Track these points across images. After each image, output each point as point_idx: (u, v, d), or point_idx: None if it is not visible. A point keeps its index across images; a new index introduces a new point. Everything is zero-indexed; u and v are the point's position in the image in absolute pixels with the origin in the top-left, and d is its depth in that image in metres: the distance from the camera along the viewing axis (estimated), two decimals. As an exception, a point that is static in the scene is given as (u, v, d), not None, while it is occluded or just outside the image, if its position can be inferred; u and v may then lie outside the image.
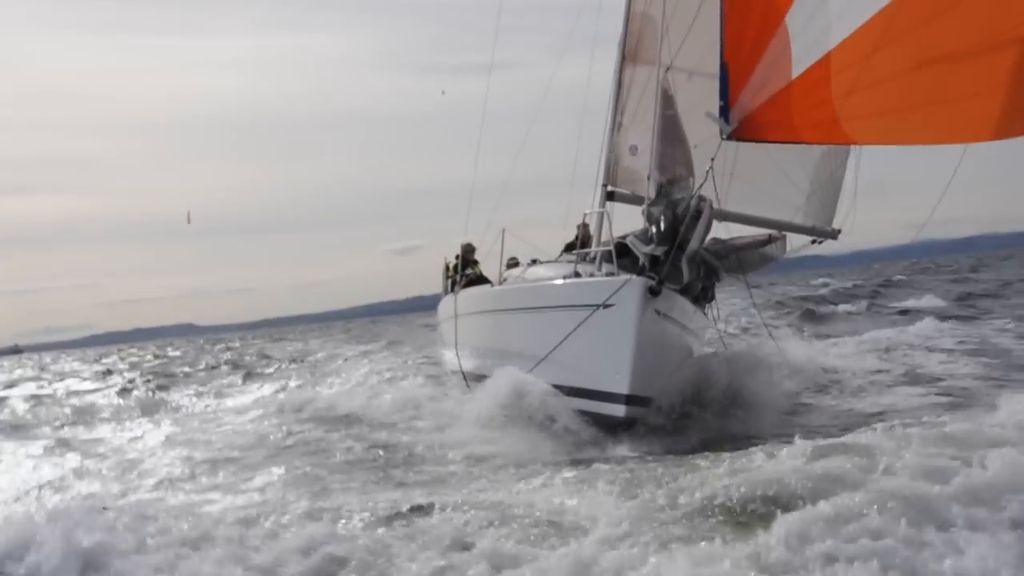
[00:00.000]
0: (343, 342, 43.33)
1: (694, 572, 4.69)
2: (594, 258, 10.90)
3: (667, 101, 10.86)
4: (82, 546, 5.30)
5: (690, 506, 5.73)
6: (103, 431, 15.20)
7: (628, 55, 12.71)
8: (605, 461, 8.11)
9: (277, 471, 9.28)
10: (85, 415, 18.73)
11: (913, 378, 12.30)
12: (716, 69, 8.62)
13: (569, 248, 13.58)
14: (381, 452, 10.05)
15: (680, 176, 10.57)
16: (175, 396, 21.58)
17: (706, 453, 7.81)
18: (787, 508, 5.24)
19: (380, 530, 6.06)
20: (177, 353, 51.03)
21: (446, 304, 15.99)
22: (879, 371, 13.39)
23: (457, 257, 15.92)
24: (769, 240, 12.42)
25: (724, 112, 8.62)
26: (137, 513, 6.36)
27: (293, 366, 28.63)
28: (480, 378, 12.10)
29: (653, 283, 9.17)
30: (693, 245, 9.85)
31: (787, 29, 8.23)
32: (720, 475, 6.22)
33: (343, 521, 6.35)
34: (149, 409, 18.67)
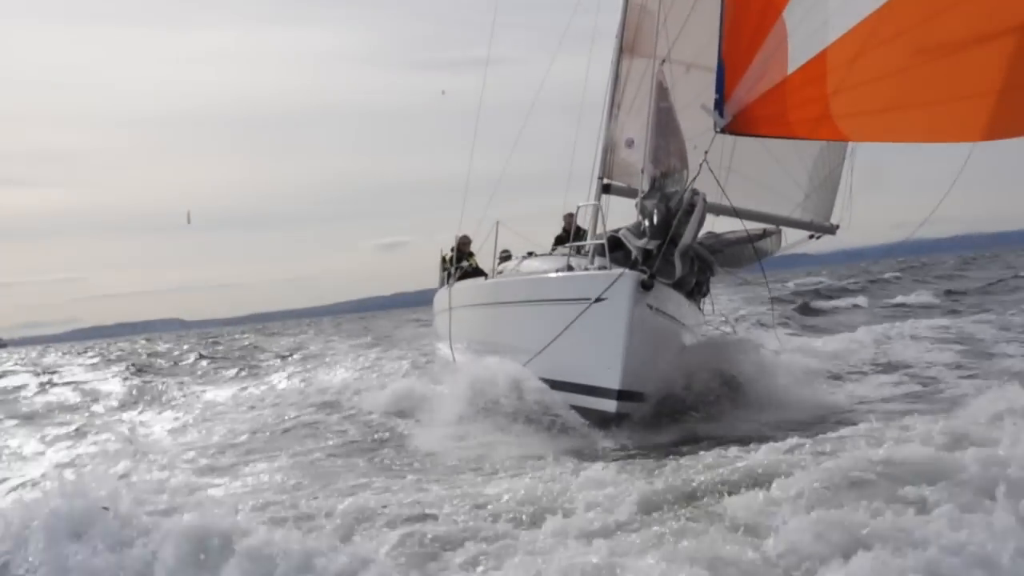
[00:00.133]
0: (334, 337, 43.29)
1: (678, 563, 4.70)
2: (588, 251, 10.89)
3: (662, 93, 10.77)
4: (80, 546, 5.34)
5: (673, 497, 5.85)
6: (109, 419, 15.42)
7: (625, 47, 12.71)
8: (591, 454, 8.15)
9: (268, 464, 9.29)
10: (87, 405, 18.71)
11: (913, 376, 12.47)
12: (714, 63, 8.60)
13: (559, 241, 13.56)
14: (373, 441, 10.18)
15: (674, 169, 10.47)
16: (172, 388, 21.50)
17: (685, 447, 7.93)
18: (761, 498, 5.43)
19: (364, 524, 6.04)
20: (167, 346, 50.86)
21: (441, 297, 15.98)
22: (875, 363, 13.61)
23: (453, 249, 15.89)
24: (764, 235, 12.38)
25: (719, 105, 8.58)
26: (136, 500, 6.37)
27: (292, 358, 28.69)
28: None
29: (645, 277, 9.07)
30: (686, 239, 9.72)
31: (784, 24, 8.21)
32: (700, 469, 6.42)
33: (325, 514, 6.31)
34: (152, 401, 18.63)
